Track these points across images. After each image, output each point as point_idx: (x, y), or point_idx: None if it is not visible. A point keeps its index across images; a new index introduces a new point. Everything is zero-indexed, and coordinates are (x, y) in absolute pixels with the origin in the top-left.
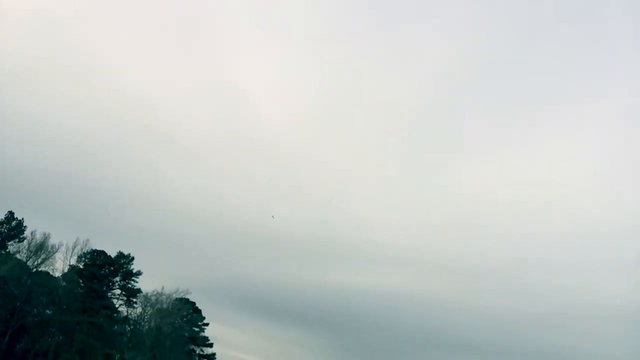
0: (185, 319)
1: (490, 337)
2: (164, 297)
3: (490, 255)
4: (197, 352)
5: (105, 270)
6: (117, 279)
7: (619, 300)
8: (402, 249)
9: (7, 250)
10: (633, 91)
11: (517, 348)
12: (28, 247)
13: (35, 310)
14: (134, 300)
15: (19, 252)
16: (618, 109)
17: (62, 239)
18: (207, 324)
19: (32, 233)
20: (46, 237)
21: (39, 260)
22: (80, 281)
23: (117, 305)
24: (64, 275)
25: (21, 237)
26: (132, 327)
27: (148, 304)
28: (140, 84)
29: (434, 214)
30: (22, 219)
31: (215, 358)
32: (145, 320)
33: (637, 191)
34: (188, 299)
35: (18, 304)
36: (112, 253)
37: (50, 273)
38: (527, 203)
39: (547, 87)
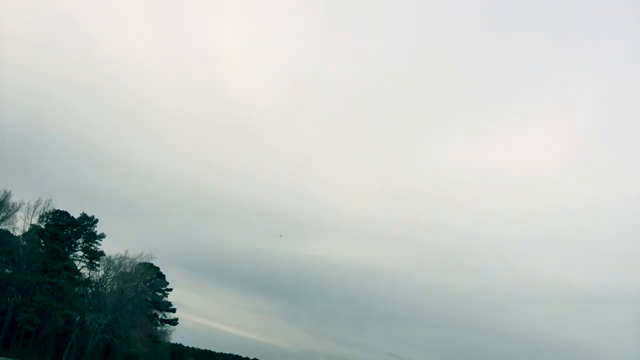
0: (148, 284)
1: (441, 311)
2: (128, 261)
3: (449, 230)
4: (160, 316)
5: (67, 232)
6: (80, 240)
7: (564, 280)
8: (365, 222)
9: None
10: (581, 82)
11: (464, 322)
12: None
13: None
14: (97, 263)
15: None
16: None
17: (23, 197)
18: (170, 289)
19: None
20: (7, 195)
21: None
22: (42, 241)
23: (79, 268)
24: (25, 234)
25: None
26: (93, 289)
27: (111, 267)
28: (111, 48)
29: (400, 189)
30: None
31: (177, 323)
32: (108, 283)
33: (584, 177)
34: (152, 264)
35: None
36: (76, 214)
37: (11, 232)
38: (485, 183)
39: (510, 76)
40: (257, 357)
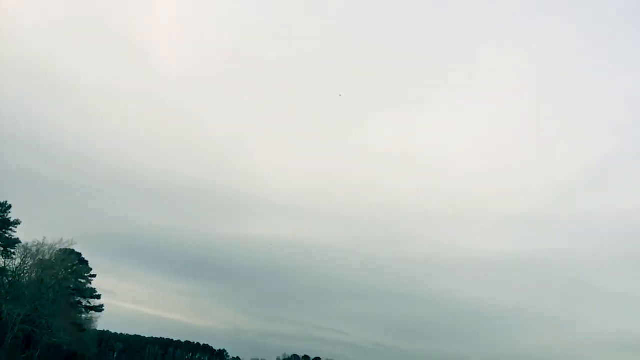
0: (70, 271)
1: (377, 283)
2: (46, 247)
3: (384, 205)
4: (84, 304)
5: None
6: None
7: (492, 251)
8: (299, 200)
9: None
10: (514, 65)
11: (397, 293)
12: None
13: None
14: (12, 251)
15: None
16: (501, 81)
17: None
18: (94, 276)
19: None
20: None
21: None
22: None
23: None
24: None
25: None
26: (10, 278)
27: (28, 255)
28: (28, 20)
29: (333, 164)
30: None
31: (103, 309)
32: (26, 271)
33: (514, 154)
34: (73, 250)
35: None
36: None
37: None
38: (416, 157)
39: (446, 54)
40: (188, 339)
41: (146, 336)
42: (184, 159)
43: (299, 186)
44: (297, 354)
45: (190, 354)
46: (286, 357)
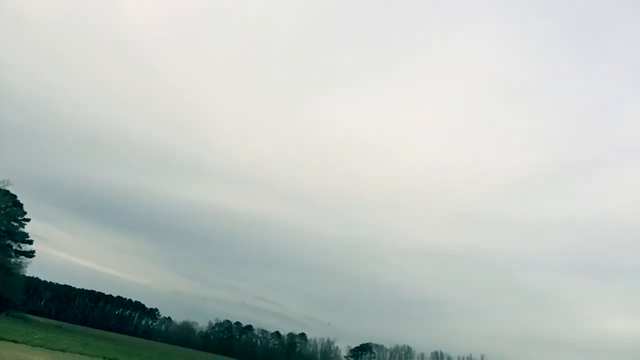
0: (2, 212)
1: (320, 261)
2: None
3: (334, 187)
4: (14, 247)
5: None
6: None
7: (437, 243)
8: (253, 171)
9: None
10: (477, 52)
11: (339, 272)
12: None
13: None
14: None
15: None
16: (461, 67)
17: None
18: (27, 220)
19: None
20: None
21: None
22: None
23: None
24: None
25: None
26: None
27: None
28: None
29: (288, 142)
30: None
31: (34, 255)
32: None
33: (469, 150)
34: (8, 191)
35: None
36: None
37: None
38: (376, 142)
39: (407, 39)
40: (120, 295)
41: (77, 287)
42: (141, 118)
43: (254, 159)
44: (230, 320)
45: (121, 309)
46: (218, 322)
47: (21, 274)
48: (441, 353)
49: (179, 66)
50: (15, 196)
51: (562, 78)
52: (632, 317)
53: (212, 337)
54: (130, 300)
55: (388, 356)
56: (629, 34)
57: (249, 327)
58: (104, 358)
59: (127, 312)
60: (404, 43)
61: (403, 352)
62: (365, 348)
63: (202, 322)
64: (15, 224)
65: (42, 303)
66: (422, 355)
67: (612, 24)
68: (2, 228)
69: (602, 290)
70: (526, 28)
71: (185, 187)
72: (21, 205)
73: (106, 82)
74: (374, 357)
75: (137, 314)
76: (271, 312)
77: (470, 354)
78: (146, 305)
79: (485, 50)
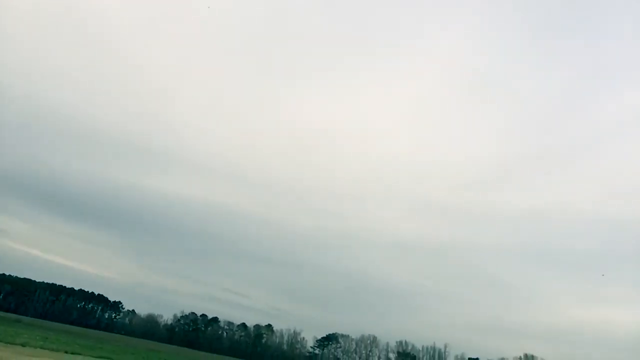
0: None
1: (286, 251)
2: None
3: (305, 177)
4: None
5: None
6: None
7: (401, 233)
8: (221, 162)
9: None
10: (449, 45)
11: (305, 262)
12: None
13: None
14: None
15: None
16: (433, 60)
17: None
18: None
19: None
20: None
21: None
22: None
23: None
24: None
25: None
26: None
27: None
28: None
29: (254, 133)
30: None
31: None
32: None
33: (432, 142)
34: None
35: None
36: None
37: None
38: (338, 134)
39: (383, 32)
40: (82, 288)
41: (37, 280)
42: (107, 103)
43: (219, 149)
44: (195, 312)
45: (83, 303)
46: (183, 314)
47: None
48: (405, 342)
49: (148, 50)
50: None
51: (528, 72)
52: (592, 305)
53: (177, 329)
54: (92, 293)
55: (354, 346)
56: (593, 31)
57: (215, 319)
58: (66, 352)
59: (89, 306)
60: (380, 36)
61: (369, 342)
62: (331, 338)
63: (167, 315)
64: None
65: (0, 297)
66: (387, 345)
67: (577, 21)
68: None
69: (562, 279)
70: (497, 22)
71: (151, 178)
72: None
73: (68, 65)
74: (340, 347)
75: (99, 307)
76: (238, 303)
77: (434, 343)
78: (109, 298)
79: (457, 44)
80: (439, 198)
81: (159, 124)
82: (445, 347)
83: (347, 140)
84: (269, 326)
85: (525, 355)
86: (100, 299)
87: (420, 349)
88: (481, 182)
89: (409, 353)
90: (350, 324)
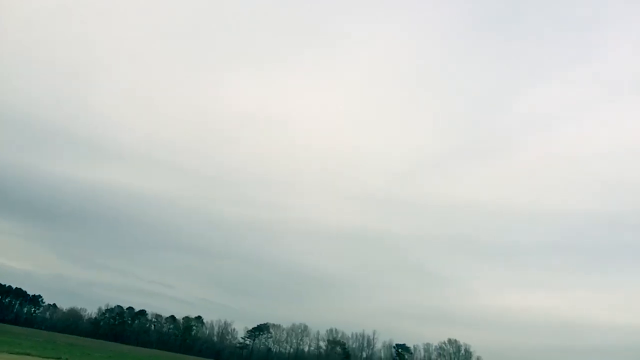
0: None
1: (216, 242)
2: None
3: (233, 167)
4: None
5: None
6: None
7: (333, 224)
8: (148, 150)
9: None
10: (386, 37)
11: (235, 252)
12: None
13: None
14: None
15: None
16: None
17: None
18: None
19: None
20: None
21: None
22: None
23: None
24: None
25: None
26: None
27: None
28: None
29: (187, 120)
30: None
31: None
32: None
33: (369, 135)
34: None
35: None
36: None
37: None
38: (277, 121)
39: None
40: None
41: None
42: (25, 88)
43: (149, 137)
44: (121, 305)
45: (0, 297)
46: (108, 307)
47: None
48: (336, 330)
49: (71, 26)
50: None
51: (463, 64)
52: (514, 292)
53: (102, 323)
54: (10, 286)
55: (285, 335)
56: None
57: (142, 312)
58: None
59: (6, 300)
60: (315, 25)
61: (299, 331)
62: (262, 328)
63: (91, 309)
64: None
65: None
66: (318, 333)
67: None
68: None
69: (488, 268)
70: (436, 15)
71: (73, 166)
72: None
73: None
74: (271, 337)
75: (17, 302)
76: (167, 296)
77: (363, 330)
78: (28, 292)
79: (394, 35)
80: (374, 189)
81: (80, 111)
82: (374, 333)
83: (280, 128)
84: (199, 318)
85: (449, 340)
86: (19, 293)
87: (350, 336)
88: (415, 174)
89: (339, 340)
90: (282, 314)
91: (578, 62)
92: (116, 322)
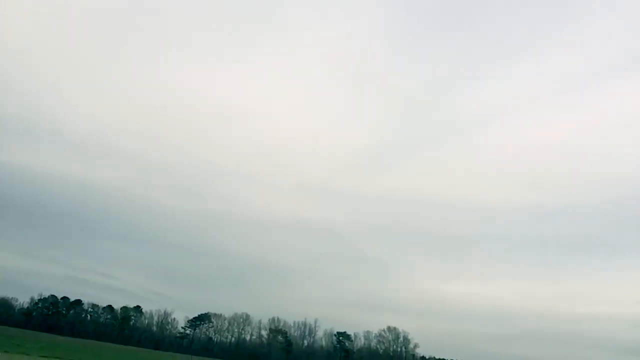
0: None
1: (167, 233)
2: None
3: (178, 155)
4: None
5: None
6: None
7: (283, 215)
8: (92, 137)
9: None
10: (337, 30)
11: (186, 244)
12: None
13: None
14: None
15: None
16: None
17: None
18: None
19: None
20: None
21: None
22: None
23: None
24: None
25: None
26: None
27: None
28: None
29: (146, 108)
30: None
31: None
32: None
33: (319, 124)
34: None
35: None
36: None
37: None
38: (226, 107)
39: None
40: None
41: None
42: None
43: (103, 126)
44: (55, 295)
45: None
46: (42, 297)
47: None
48: (278, 319)
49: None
50: None
51: (395, 57)
52: (455, 281)
53: (34, 313)
54: None
55: (226, 325)
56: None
57: (78, 302)
58: None
59: None
60: (272, 14)
61: (241, 320)
62: (203, 318)
63: (23, 298)
64: None
65: None
66: (260, 322)
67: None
68: None
69: (429, 259)
70: (380, 11)
71: (15, 151)
72: None
73: None
74: (212, 327)
75: None
76: (105, 286)
77: (305, 319)
78: None
79: (342, 28)
80: (318, 180)
81: (19, 92)
82: (316, 322)
83: (231, 116)
84: (138, 308)
85: (389, 328)
86: None
87: (292, 324)
88: (359, 167)
89: (281, 329)
90: (224, 304)
91: (514, 61)
92: (50, 312)
